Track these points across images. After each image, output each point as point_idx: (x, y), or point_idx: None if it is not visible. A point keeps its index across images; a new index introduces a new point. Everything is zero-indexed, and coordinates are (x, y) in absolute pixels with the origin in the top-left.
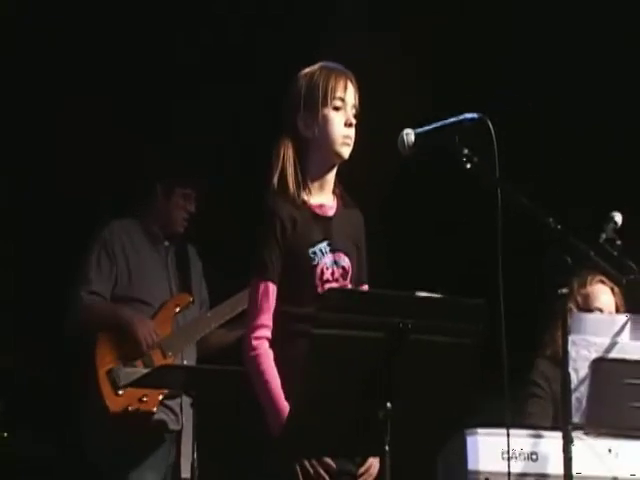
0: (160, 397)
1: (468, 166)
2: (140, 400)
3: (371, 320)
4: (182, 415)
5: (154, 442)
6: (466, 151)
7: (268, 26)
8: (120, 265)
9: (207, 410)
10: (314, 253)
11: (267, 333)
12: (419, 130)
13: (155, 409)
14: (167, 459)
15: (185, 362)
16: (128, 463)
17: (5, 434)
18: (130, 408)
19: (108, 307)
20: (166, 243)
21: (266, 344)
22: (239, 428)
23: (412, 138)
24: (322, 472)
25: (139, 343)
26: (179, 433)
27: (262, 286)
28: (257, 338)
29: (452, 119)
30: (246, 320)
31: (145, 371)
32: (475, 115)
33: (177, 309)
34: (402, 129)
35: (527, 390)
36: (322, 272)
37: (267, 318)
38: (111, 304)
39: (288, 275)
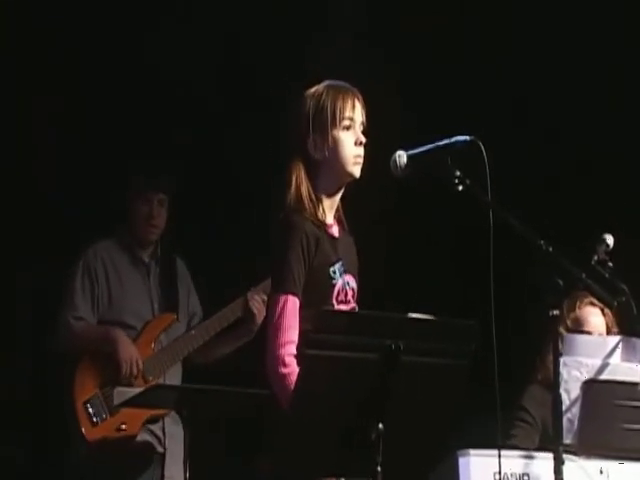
0: (143, 420)
1: (460, 188)
2: (118, 429)
3: (363, 341)
4: (165, 439)
5: (139, 464)
6: (458, 173)
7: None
8: (101, 287)
9: (199, 430)
10: (334, 272)
11: (295, 349)
12: (411, 152)
13: (137, 431)
14: None
15: (167, 383)
16: None
17: None
18: (108, 437)
19: (96, 331)
20: (146, 260)
21: (295, 361)
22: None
23: (404, 160)
24: None
25: (120, 371)
26: (163, 456)
27: (291, 301)
28: (289, 355)
29: (444, 141)
30: (271, 334)
31: (138, 390)
32: (467, 137)
33: (159, 330)
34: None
35: (515, 414)
36: (338, 292)
37: (295, 334)
38: (99, 327)
39: (308, 292)
